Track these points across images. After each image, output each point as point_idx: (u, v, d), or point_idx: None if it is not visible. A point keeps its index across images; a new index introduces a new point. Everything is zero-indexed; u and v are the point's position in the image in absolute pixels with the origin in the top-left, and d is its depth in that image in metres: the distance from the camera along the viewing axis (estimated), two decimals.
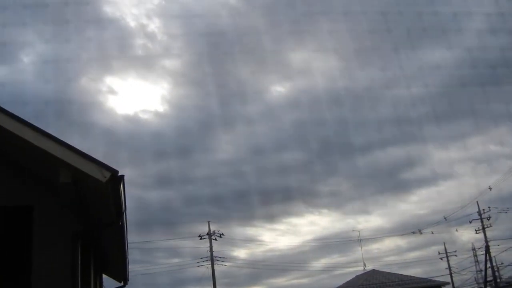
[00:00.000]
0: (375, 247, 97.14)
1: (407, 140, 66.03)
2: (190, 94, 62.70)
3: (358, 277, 48.93)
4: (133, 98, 66.81)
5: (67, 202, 8.07)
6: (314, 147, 64.43)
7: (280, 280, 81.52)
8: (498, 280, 50.26)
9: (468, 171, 70.82)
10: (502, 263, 52.44)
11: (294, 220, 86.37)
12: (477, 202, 50.90)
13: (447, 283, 50.21)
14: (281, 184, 72.35)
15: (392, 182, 72.52)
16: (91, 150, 7.52)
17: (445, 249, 59.03)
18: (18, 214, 8.50)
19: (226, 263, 48.44)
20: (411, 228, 63.24)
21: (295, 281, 74.47)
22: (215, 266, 46.84)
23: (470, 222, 51.77)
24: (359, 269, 53.31)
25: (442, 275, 54.09)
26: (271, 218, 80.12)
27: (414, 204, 78.63)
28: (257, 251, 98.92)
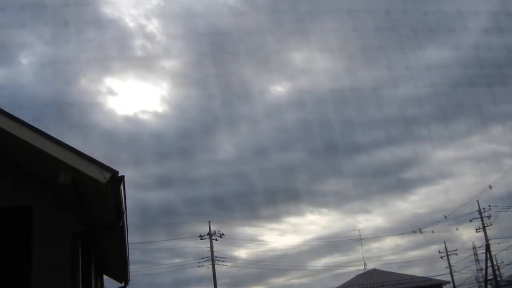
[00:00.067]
0: (376, 247, 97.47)
1: (407, 139, 66.01)
2: (189, 94, 62.65)
3: (358, 277, 48.96)
4: (133, 98, 66.84)
5: (67, 203, 8.07)
6: (314, 146, 64.45)
7: (281, 280, 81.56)
8: (499, 278, 50.28)
9: (468, 170, 70.95)
10: (502, 262, 52.56)
11: (294, 219, 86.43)
12: (477, 200, 50.99)
13: (448, 282, 50.24)
14: (281, 183, 72.43)
15: (392, 181, 72.64)
16: (91, 151, 7.52)
17: (446, 248, 59.11)
18: (18, 215, 8.50)
19: (227, 263, 48.52)
20: (412, 227, 63.27)
21: (295, 281, 74.58)
22: (216, 266, 46.90)
23: (471, 221, 51.87)
24: (359, 268, 53.39)
25: (442, 274, 54.11)
26: (271, 217, 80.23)
27: (414, 203, 78.77)
28: (258, 251, 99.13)
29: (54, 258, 7.80)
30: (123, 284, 16.80)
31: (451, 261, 58.84)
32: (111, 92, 62.61)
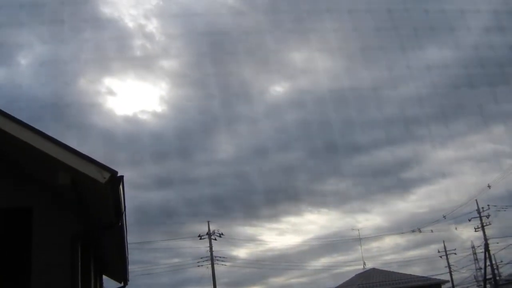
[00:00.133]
0: (375, 246, 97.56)
1: (407, 139, 66.09)
2: (188, 94, 62.75)
3: (358, 276, 49.01)
4: (132, 99, 66.89)
5: (67, 203, 8.09)
6: (313, 146, 64.47)
7: (280, 279, 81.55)
8: (498, 278, 50.32)
9: (467, 170, 70.99)
10: (501, 261, 52.60)
11: (294, 219, 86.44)
12: (476, 200, 51.04)
13: (447, 281, 50.29)
14: (280, 183, 72.45)
15: (392, 181, 72.69)
16: (91, 152, 7.54)
17: (445, 248, 59.17)
18: (18, 216, 8.52)
19: (226, 263, 48.52)
20: (411, 227, 63.34)
21: (294, 280, 74.51)
22: (215, 266, 46.90)
23: (469, 220, 51.91)
24: (359, 267, 53.48)
25: (441, 274, 54.13)
26: (270, 217, 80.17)
27: (414, 202, 78.81)
28: (257, 250, 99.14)
29: (53, 258, 7.82)
30: (122, 284, 16.80)
31: (450, 261, 58.96)
32: (111, 92, 62.68)
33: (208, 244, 47.67)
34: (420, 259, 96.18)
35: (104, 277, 16.54)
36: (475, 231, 51.87)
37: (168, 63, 62.68)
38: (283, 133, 62.73)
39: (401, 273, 46.37)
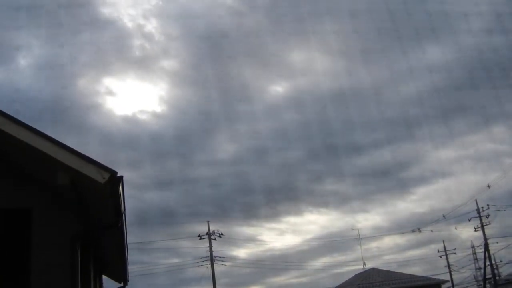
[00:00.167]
0: (375, 246, 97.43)
1: (406, 139, 66.13)
2: (188, 94, 62.74)
3: (357, 276, 49.03)
4: (131, 99, 66.86)
5: (66, 203, 8.09)
6: (313, 146, 64.45)
7: (280, 279, 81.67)
8: (497, 277, 50.33)
9: (467, 169, 70.94)
10: (501, 261, 52.59)
11: (293, 219, 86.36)
12: (475, 200, 51.06)
13: (447, 281, 50.31)
14: (280, 183, 72.46)
15: (391, 180, 72.67)
16: (90, 152, 7.54)
17: (444, 247, 59.19)
18: (18, 216, 8.52)
19: (226, 263, 48.53)
20: (410, 227, 63.37)
21: (294, 280, 74.58)
22: (215, 266, 46.91)
23: (469, 220, 51.93)
24: (358, 267, 53.56)
25: (441, 273, 54.16)
26: (270, 217, 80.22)
27: (413, 202, 78.74)
28: (257, 250, 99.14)
29: (53, 258, 7.82)
30: (122, 284, 16.81)
31: (450, 260, 58.98)
32: (110, 93, 62.68)
33: (208, 244, 47.73)
34: (420, 259, 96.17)
35: (104, 277, 16.54)
36: (475, 231, 51.94)
37: (167, 63, 62.66)
38: (282, 133, 62.71)
39: (401, 273, 46.39)
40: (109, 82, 64.78)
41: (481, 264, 52.04)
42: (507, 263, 51.72)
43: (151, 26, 58.01)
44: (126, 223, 10.26)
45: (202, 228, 49.44)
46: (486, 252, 48.16)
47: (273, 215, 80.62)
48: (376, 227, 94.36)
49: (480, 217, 50.69)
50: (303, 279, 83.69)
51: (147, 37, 54.21)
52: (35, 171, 8.29)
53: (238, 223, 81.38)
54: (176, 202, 65.39)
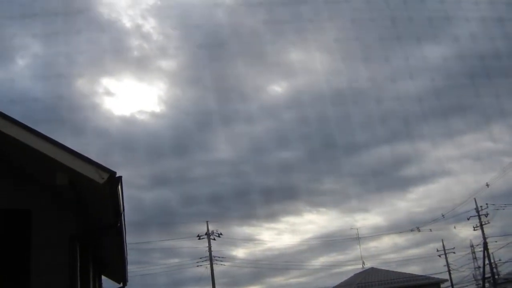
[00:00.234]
0: (374, 245, 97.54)
1: (405, 138, 66.18)
2: (186, 94, 62.73)
3: (356, 275, 49.06)
4: (130, 99, 66.87)
5: (65, 204, 8.10)
6: (311, 146, 64.52)
7: (279, 279, 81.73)
8: (496, 276, 50.38)
9: (466, 168, 71.05)
10: (500, 260, 52.62)
11: (292, 219, 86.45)
12: (474, 199, 51.09)
13: (446, 280, 50.35)
14: (279, 183, 72.50)
15: (390, 180, 72.66)
16: (89, 152, 7.55)
17: (443, 247, 59.22)
18: (17, 217, 8.52)
19: (225, 263, 48.52)
20: (409, 226, 63.32)
21: (293, 280, 74.66)
22: (214, 266, 46.90)
23: (468, 219, 51.94)
24: (357, 267, 53.48)
25: (440, 272, 54.18)
26: (269, 217, 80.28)
27: (412, 201, 78.85)
28: (256, 250, 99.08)
29: (52, 259, 7.83)
30: (121, 285, 16.82)
31: (449, 259, 59.01)
32: (108, 93, 62.66)
33: (207, 244, 47.70)
34: (419, 258, 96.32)
35: (103, 277, 16.54)
36: (474, 230, 51.94)
37: (166, 63, 62.69)
38: (281, 132, 62.74)
39: (400, 272, 46.41)
40: (107, 82, 64.76)
41: (480, 263, 52.15)
42: (506, 262, 51.80)
43: (150, 26, 58.04)
44: (125, 223, 10.27)
45: (201, 228, 49.57)
46: (485, 251, 48.19)
47: (272, 215, 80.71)
48: (375, 226, 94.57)
49: (479, 216, 50.71)
50: (302, 279, 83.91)
51: (146, 37, 54.22)
52: (35, 172, 8.30)
53: (237, 223, 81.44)
54: (175, 202, 65.44)
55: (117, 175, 7.45)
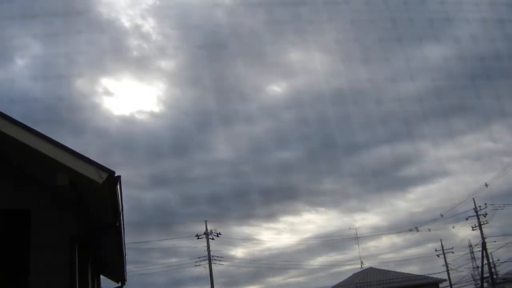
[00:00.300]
0: (372, 245, 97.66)
1: (404, 138, 66.25)
2: (185, 94, 62.73)
3: (355, 275, 49.12)
4: (129, 99, 66.86)
5: (65, 204, 8.11)
6: (310, 146, 64.56)
7: (278, 279, 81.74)
8: (495, 276, 50.45)
9: (464, 168, 71.13)
10: (498, 260, 52.67)
11: (291, 218, 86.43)
12: (473, 199, 51.16)
13: (444, 280, 50.40)
14: (277, 183, 72.56)
15: (389, 180, 72.74)
16: (88, 152, 7.56)
17: (442, 246, 59.26)
18: (16, 217, 8.53)
19: (224, 263, 48.54)
20: (408, 226, 63.35)
21: (292, 280, 74.65)
22: (213, 266, 46.91)
23: (467, 219, 52.02)
24: (356, 267, 53.48)
25: (439, 272, 54.23)
26: (268, 217, 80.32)
27: (411, 201, 78.93)
28: (255, 250, 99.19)
29: (51, 259, 7.84)
30: (120, 284, 16.82)
31: (448, 259, 59.05)
32: (108, 93, 62.65)
33: (205, 244, 47.71)
34: (418, 258, 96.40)
35: (101, 277, 16.54)
36: (473, 229, 51.99)
37: (165, 63, 62.70)
38: (280, 132, 62.78)
39: (398, 272, 46.47)
40: (106, 82, 64.76)
41: (478, 263, 52.22)
42: (504, 262, 51.88)
43: (149, 26, 58.04)
44: (124, 223, 10.29)
45: (200, 228, 49.61)
46: (484, 251, 48.25)
47: (271, 215, 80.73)
48: (374, 226, 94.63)
49: (477, 216, 50.77)
50: (301, 279, 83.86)
51: (145, 37, 54.22)
52: (34, 172, 8.31)
53: (236, 222, 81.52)
54: (174, 202, 65.46)
55: (116, 175, 7.47)
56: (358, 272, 49.52)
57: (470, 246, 58.48)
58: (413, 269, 69.18)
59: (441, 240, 59.81)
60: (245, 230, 75.75)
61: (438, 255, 59.44)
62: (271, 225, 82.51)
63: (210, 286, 45.61)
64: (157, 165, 62.30)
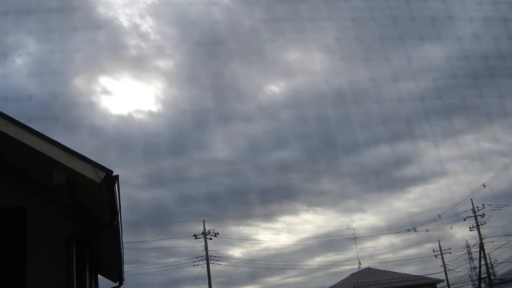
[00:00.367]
0: (370, 245, 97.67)
1: (402, 138, 66.18)
2: (183, 93, 62.64)
3: (353, 275, 49.08)
4: (127, 98, 66.67)
5: (62, 203, 8.06)
6: (308, 145, 64.49)
7: (276, 279, 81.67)
8: (492, 277, 50.51)
9: (462, 169, 71.14)
10: (496, 260, 52.74)
11: (289, 218, 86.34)
12: (471, 199, 51.18)
13: (442, 281, 50.39)
14: (275, 183, 72.52)
15: (387, 180, 72.66)
16: (85, 151, 7.51)
17: (440, 247, 59.30)
18: (12, 216, 8.48)
19: (222, 262, 48.51)
20: (406, 226, 63.46)
21: (290, 280, 74.68)
22: (211, 265, 46.88)
23: (464, 220, 52.01)
24: (354, 267, 53.47)
25: (437, 273, 54.25)
26: (266, 217, 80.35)
27: (409, 202, 78.94)
28: (252, 250, 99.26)
29: (48, 258, 7.79)
30: (117, 284, 16.78)
31: (446, 260, 59.10)
32: (106, 92, 62.47)
33: (203, 244, 47.68)
34: (416, 258, 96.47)
35: (99, 276, 16.50)
36: (470, 230, 52.04)
37: (163, 63, 62.54)
38: (278, 132, 62.71)
39: (396, 272, 46.47)
40: (104, 81, 64.56)
41: (476, 263, 52.27)
42: (502, 263, 51.93)
43: (147, 25, 57.94)
44: (121, 222, 10.24)
45: (198, 228, 49.55)
46: (481, 251, 48.30)
47: (269, 215, 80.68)
48: (371, 226, 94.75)
49: (475, 216, 50.81)
50: (299, 279, 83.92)
51: (143, 36, 54.11)
52: (31, 170, 8.26)
53: (234, 222, 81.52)
54: (171, 201, 65.39)
55: (113, 174, 7.43)
56: (356, 273, 49.51)
57: (468, 246, 58.61)
58: (411, 270, 69.36)
59: (439, 241, 59.91)
60: (243, 230, 75.83)
61: (436, 256, 59.52)
62: (269, 225, 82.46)
63: (208, 286, 45.62)
64: (155, 164, 62.20)
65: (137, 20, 54.23)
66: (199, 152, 66.53)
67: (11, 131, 7.42)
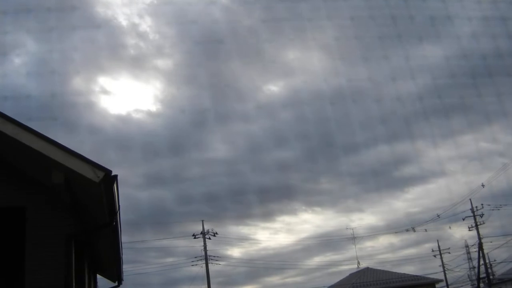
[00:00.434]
0: (369, 245, 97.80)
1: (401, 138, 66.24)
2: (182, 93, 62.62)
3: (352, 275, 49.11)
4: (126, 97, 66.60)
5: (61, 202, 8.06)
6: (307, 145, 64.51)
7: (275, 279, 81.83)
8: (491, 277, 50.55)
9: (461, 169, 71.14)
10: (495, 260, 52.81)
11: (288, 218, 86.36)
12: (470, 199, 51.21)
13: (441, 280, 50.43)
14: (274, 182, 72.56)
15: (386, 180, 72.73)
16: (84, 150, 7.51)
17: (439, 247, 59.34)
18: (11, 215, 8.48)
19: (220, 262, 48.50)
20: (405, 226, 63.47)
21: (289, 280, 74.81)
22: (209, 265, 46.86)
23: (463, 220, 52.06)
24: (353, 267, 53.55)
25: (435, 273, 54.30)
26: (264, 216, 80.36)
27: (408, 202, 79.01)
28: (251, 249, 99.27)
29: (47, 257, 7.80)
30: (116, 284, 16.76)
31: (444, 260, 59.13)
32: (105, 91, 62.43)
33: (202, 243, 47.67)
34: (414, 258, 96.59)
35: (98, 276, 16.49)
36: (469, 230, 52.07)
37: (162, 62, 62.52)
38: (277, 132, 62.70)
39: (395, 272, 46.49)
40: (103, 80, 64.53)
41: (475, 263, 52.27)
42: (501, 262, 51.99)
43: (146, 25, 57.93)
44: (120, 222, 10.24)
45: (197, 227, 49.44)
46: (480, 251, 48.34)
47: (268, 215, 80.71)
48: (370, 226, 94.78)
49: (474, 216, 50.84)
50: (298, 279, 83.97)
51: (142, 36, 54.13)
52: (30, 169, 8.26)
53: (232, 222, 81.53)
54: (170, 201, 65.39)
55: (112, 174, 7.42)
56: (355, 272, 49.53)
57: (467, 246, 58.68)
58: (410, 269, 69.39)
59: (437, 241, 59.94)
60: (242, 229, 75.71)
61: (435, 256, 59.55)
62: (268, 224, 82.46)
63: (207, 286, 45.60)
64: (154, 164, 62.18)
65: (136, 20, 54.27)
66: (198, 152, 66.55)
67: (8, 129, 7.42)
